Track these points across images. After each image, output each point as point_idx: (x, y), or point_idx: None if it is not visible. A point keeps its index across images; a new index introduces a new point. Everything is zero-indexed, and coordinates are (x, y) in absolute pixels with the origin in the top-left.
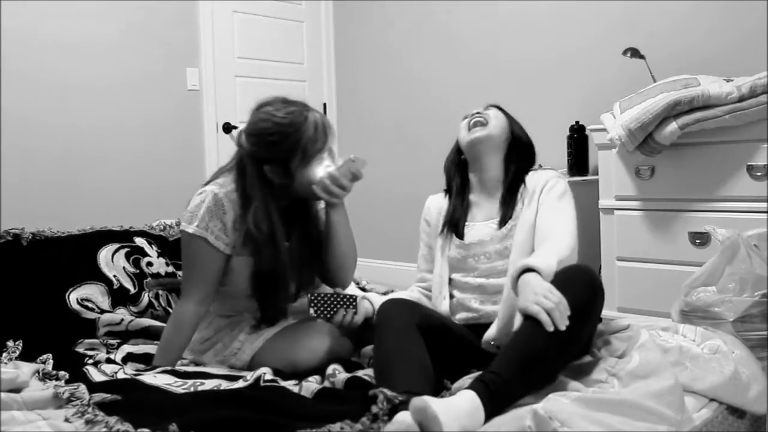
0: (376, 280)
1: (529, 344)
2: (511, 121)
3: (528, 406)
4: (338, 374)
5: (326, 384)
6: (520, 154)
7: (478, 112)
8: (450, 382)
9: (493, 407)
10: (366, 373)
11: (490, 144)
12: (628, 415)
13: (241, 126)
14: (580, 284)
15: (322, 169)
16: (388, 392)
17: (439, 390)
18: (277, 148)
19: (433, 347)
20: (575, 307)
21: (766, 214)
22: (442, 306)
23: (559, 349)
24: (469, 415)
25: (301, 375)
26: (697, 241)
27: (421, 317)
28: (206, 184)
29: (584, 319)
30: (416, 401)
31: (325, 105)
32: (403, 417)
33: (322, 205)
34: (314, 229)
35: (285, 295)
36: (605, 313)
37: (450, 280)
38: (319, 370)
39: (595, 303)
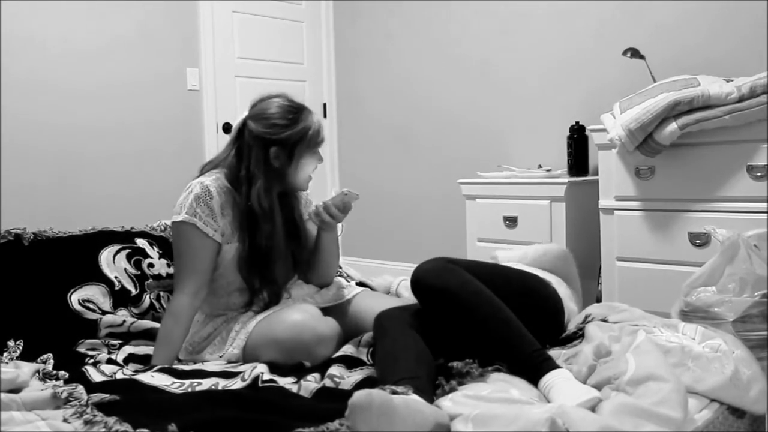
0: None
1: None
2: None
3: (543, 412)
4: (347, 377)
5: (326, 383)
6: None
7: None
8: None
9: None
10: (373, 373)
11: None
12: (639, 417)
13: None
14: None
15: (312, 167)
16: (394, 387)
17: (439, 374)
18: (288, 130)
19: (434, 337)
20: (443, 293)
21: (766, 214)
22: None
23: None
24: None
25: (290, 357)
26: (697, 241)
27: (412, 317)
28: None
29: (446, 298)
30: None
31: (325, 105)
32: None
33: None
34: (298, 219)
35: (277, 275)
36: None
37: None
38: (318, 368)
39: (445, 282)
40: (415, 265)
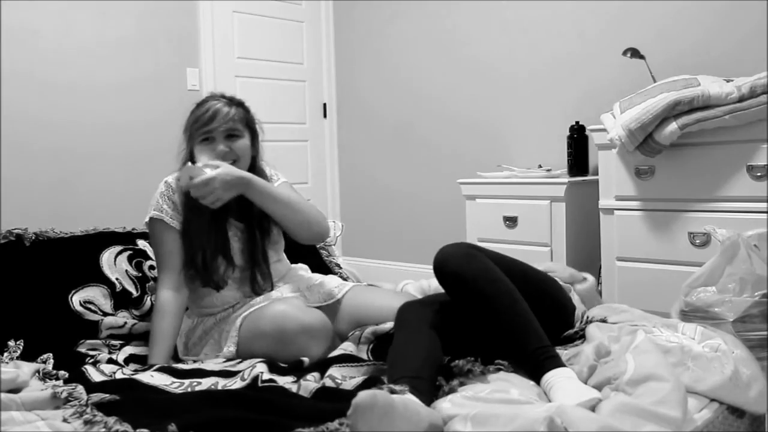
0: (377, 280)
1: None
2: None
3: (542, 411)
4: (349, 379)
5: (326, 382)
6: None
7: None
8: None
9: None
10: (374, 371)
11: None
12: (638, 417)
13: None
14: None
15: (205, 156)
16: (393, 387)
17: (440, 373)
18: (186, 123)
19: (453, 335)
20: (461, 278)
21: (766, 214)
22: None
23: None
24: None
25: (279, 348)
26: (697, 241)
27: (433, 314)
28: None
29: (465, 285)
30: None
31: (325, 105)
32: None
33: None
34: (257, 209)
35: (209, 258)
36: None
37: None
38: (318, 367)
39: (465, 267)
40: (415, 266)
